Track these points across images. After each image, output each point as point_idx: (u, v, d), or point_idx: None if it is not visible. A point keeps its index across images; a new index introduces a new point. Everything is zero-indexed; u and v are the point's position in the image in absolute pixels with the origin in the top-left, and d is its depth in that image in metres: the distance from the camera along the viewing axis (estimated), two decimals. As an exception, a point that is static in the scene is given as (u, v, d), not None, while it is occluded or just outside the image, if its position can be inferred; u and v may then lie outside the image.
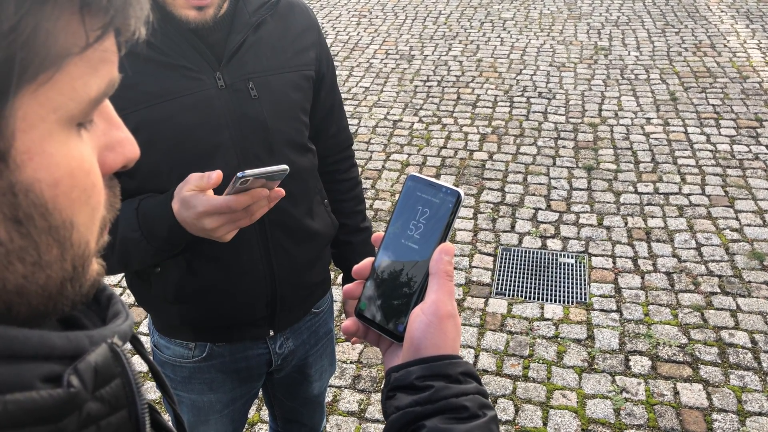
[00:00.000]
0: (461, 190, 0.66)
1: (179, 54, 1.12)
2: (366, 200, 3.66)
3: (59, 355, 0.36)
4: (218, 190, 1.07)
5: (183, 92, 1.13)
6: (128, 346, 0.47)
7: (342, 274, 1.52)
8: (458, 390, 0.60)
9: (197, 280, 1.24)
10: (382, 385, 0.68)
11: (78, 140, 0.37)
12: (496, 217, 3.53)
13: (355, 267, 0.68)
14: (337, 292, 3.02)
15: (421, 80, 5.17)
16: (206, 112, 1.14)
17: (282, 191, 1.08)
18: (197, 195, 1.04)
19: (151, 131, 1.11)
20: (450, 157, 4.09)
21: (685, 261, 3.15)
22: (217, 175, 1.03)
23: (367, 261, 0.68)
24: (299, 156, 1.28)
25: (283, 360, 1.45)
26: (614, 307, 2.89)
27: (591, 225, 3.44)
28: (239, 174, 0.95)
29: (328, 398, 2.47)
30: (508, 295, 2.99)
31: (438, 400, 0.59)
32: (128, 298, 3.03)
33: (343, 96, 4.93)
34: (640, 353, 2.65)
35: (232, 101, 1.16)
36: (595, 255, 3.22)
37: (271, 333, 1.38)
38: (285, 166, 1.01)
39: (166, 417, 1.51)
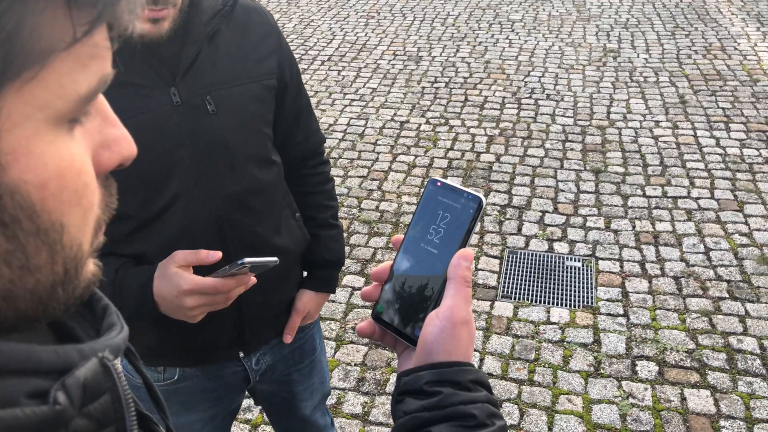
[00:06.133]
0: (483, 196, 0.65)
1: (131, 71, 1.05)
2: (372, 201, 3.65)
3: (47, 370, 0.35)
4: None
5: (136, 112, 1.07)
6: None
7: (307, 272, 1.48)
8: (467, 398, 0.59)
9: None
10: (393, 389, 0.68)
11: (68, 139, 0.36)
12: (502, 219, 3.51)
13: (374, 270, 0.69)
14: (333, 308, 3.00)
15: (428, 81, 5.15)
16: (162, 131, 1.09)
17: (254, 280, 1.10)
18: (183, 273, 1.05)
19: None
20: (457, 159, 4.07)
21: (693, 265, 3.12)
22: (218, 255, 1.06)
23: (386, 264, 0.69)
24: (263, 171, 1.22)
25: (262, 375, 1.41)
26: (621, 312, 2.87)
27: (598, 228, 3.41)
28: (239, 261, 0.98)
29: (332, 401, 2.46)
30: (514, 299, 2.97)
31: (446, 406, 0.58)
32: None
33: (351, 97, 4.92)
34: (647, 358, 2.63)
35: (189, 118, 1.11)
36: (602, 258, 3.19)
37: (242, 354, 1.33)
38: (276, 259, 1.04)
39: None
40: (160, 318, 1.13)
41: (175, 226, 1.14)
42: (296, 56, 5.69)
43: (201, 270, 1.08)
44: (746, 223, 3.40)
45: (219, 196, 1.16)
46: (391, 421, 2.39)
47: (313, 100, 4.87)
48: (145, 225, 1.14)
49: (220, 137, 1.14)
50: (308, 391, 1.53)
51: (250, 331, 1.30)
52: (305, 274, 1.46)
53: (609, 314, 2.86)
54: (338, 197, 3.69)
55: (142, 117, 1.07)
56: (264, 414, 2.43)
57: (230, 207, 1.17)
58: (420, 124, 4.50)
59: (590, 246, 3.28)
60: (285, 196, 1.32)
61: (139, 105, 1.07)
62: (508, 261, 3.20)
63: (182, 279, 1.05)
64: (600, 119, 4.49)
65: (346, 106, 4.80)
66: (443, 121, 4.54)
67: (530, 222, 3.48)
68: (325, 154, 1.47)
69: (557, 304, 2.93)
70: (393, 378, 2.57)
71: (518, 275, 3.11)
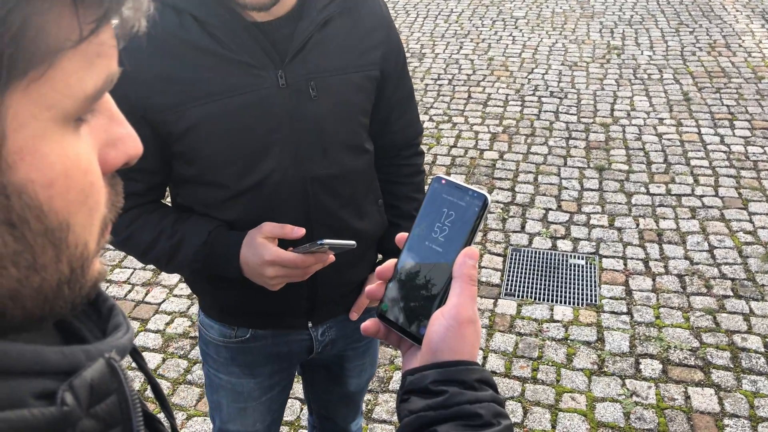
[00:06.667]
0: (488, 194, 0.64)
1: (243, 50, 1.10)
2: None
3: (53, 371, 0.35)
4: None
5: (244, 89, 1.11)
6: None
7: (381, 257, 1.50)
8: (473, 397, 0.59)
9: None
10: (396, 386, 0.68)
11: (75, 138, 0.36)
12: (506, 217, 3.50)
13: (378, 268, 0.69)
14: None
15: (431, 79, 5.15)
16: (264, 111, 1.13)
17: (333, 258, 1.18)
18: (268, 244, 1.14)
19: (210, 126, 1.12)
20: (460, 156, 4.07)
21: (697, 263, 3.11)
22: (301, 231, 1.15)
23: (390, 262, 0.68)
24: (354, 158, 1.25)
25: (324, 347, 1.45)
26: (625, 310, 2.86)
27: (602, 226, 3.41)
28: (319, 241, 1.06)
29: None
30: (518, 296, 2.97)
31: (451, 405, 0.58)
32: (128, 304, 3.04)
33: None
34: (651, 356, 2.62)
35: (291, 101, 1.14)
36: (605, 256, 3.19)
37: (310, 324, 1.39)
38: (354, 243, 1.10)
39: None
40: (242, 281, 1.21)
41: (264, 201, 1.20)
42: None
43: (283, 243, 1.16)
44: (751, 221, 3.39)
45: (309, 177, 1.20)
46: (394, 418, 2.38)
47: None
48: (237, 195, 1.19)
49: (317, 123, 1.17)
50: (358, 369, 1.57)
51: (321, 304, 1.35)
52: (380, 257, 1.50)
53: (612, 312, 2.85)
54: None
55: (249, 96, 1.12)
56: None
57: (318, 189, 1.22)
58: (423, 122, 4.49)
59: (594, 244, 3.28)
60: (372, 182, 1.35)
61: (247, 84, 1.11)
62: (511, 259, 3.20)
63: (266, 250, 1.13)
64: (604, 117, 4.48)
65: (349, 103, 4.79)
66: (446, 118, 4.54)
67: (534, 220, 3.47)
68: (420, 145, 1.48)
69: (561, 302, 2.93)
70: (396, 375, 2.57)
71: (521, 273, 3.11)
